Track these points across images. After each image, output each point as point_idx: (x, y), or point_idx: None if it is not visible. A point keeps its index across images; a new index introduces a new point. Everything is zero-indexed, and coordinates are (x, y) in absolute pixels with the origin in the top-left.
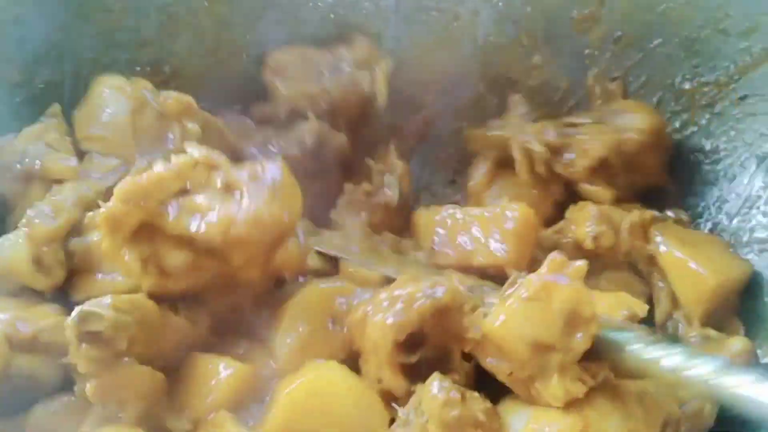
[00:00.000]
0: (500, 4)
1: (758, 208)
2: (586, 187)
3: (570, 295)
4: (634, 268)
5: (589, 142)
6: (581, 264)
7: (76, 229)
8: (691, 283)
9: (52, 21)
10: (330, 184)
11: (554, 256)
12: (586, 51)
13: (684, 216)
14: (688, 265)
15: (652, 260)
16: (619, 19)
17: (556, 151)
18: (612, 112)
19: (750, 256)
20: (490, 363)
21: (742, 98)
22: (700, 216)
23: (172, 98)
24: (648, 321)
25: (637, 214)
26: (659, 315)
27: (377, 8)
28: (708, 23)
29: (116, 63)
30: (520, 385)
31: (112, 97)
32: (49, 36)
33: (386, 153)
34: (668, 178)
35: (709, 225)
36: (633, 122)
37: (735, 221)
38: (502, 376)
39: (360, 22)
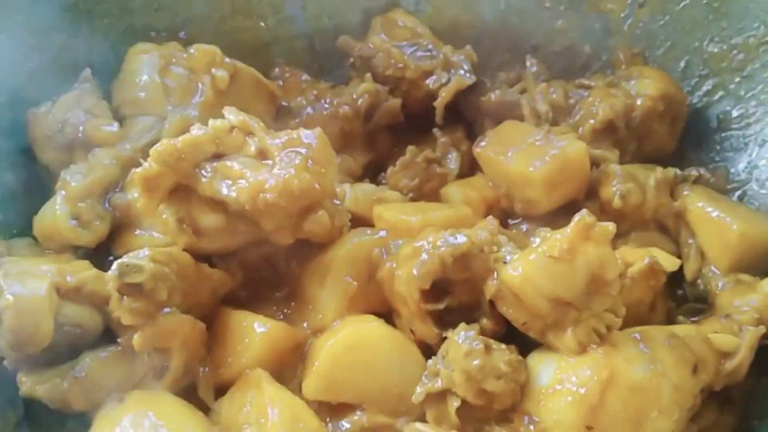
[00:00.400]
0: None
1: None
2: (590, 151)
3: (595, 257)
4: (661, 227)
5: (596, 104)
6: (609, 225)
7: (116, 185)
8: (717, 232)
9: None
10: (378, 144)
11: (582, 215)
12: (611, 15)
13: (705, 173)
14: (714, 216)
15: (679, 217)
16: None
17: (563, 111)
18: (626, 76)
19: None
20: (506, 311)
21: None
22: (730, 182)
23: (197, 50)
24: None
25: (661, 171)
26: (689, 272)
27: None
28: None
29: (132, 28)
30: (534, 333)
31: (143, 61)
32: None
33: (456, 128)
34: (680, 146)
35: (738, 192)
36: (644, 88)
37: (766, 187)
38: (516, 324)
39: None
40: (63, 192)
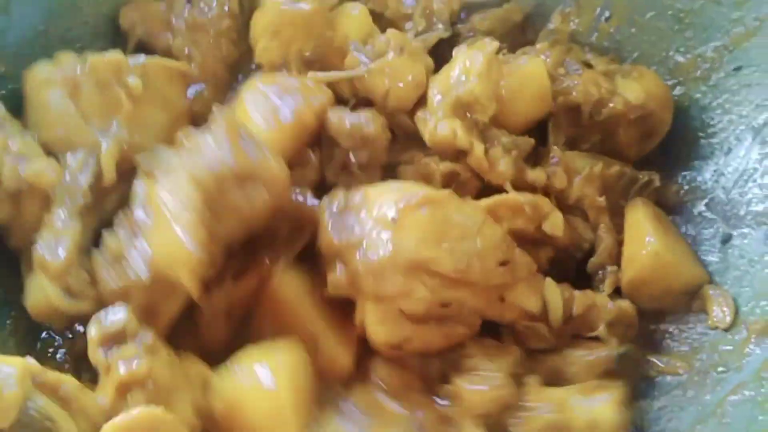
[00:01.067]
0: None
1: (755, 180)
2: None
3: None
4: (584, 215)
5: (576, 84)
6: None
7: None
8: (636, 242)
9: None
10: None
11: None
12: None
13: (656, 180)
14: (644, 227)
15: (600, 212)
16: None
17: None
18: (626, 72)
19: (746, 230)
20: None
21: (737, 69)
22: (696, 190)
23: (100, 63)
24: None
25: (600, 166)
26: (592, 263)
27: None
28: None
29: None
30: None
31: (48, 94)
32: None
33: None
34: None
35: (705, 200)
36: (626, 90)
37: (732, 194)
38: None
39: None
40: (46, 270)
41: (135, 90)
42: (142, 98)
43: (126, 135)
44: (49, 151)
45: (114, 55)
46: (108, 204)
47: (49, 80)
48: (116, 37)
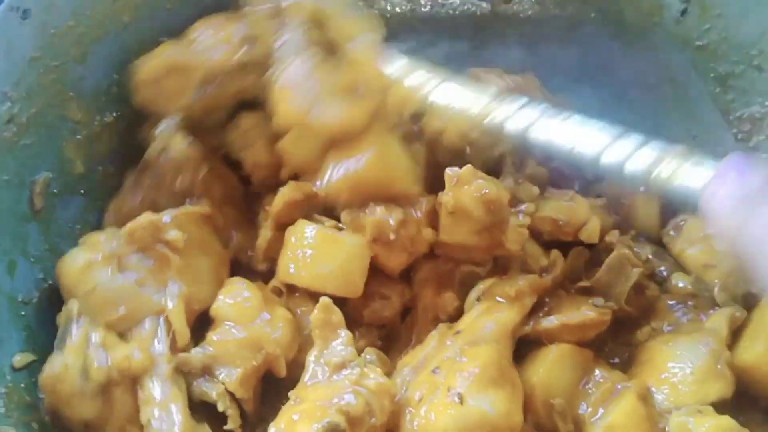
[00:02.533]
0: None
1: None
2: None
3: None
4: None
5: None
6: None
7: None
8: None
9: None
10: None
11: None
12: None
13: None
14: None
15: None
16: None
17: None
18: None
19: None
20: None
21: None
22: None
23: (136, 228)
24: None
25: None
26: None
27: None
28: (743, 59)
29: None
30: None
31: (91, 277)
32: None
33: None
34: None
35: None
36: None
37: None
38: None
39: None
40: None
41: (178, 243)
42: (184, 249)
43: (185, 289)
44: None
45: (146, 217)
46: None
47: (90, 264)
48: None
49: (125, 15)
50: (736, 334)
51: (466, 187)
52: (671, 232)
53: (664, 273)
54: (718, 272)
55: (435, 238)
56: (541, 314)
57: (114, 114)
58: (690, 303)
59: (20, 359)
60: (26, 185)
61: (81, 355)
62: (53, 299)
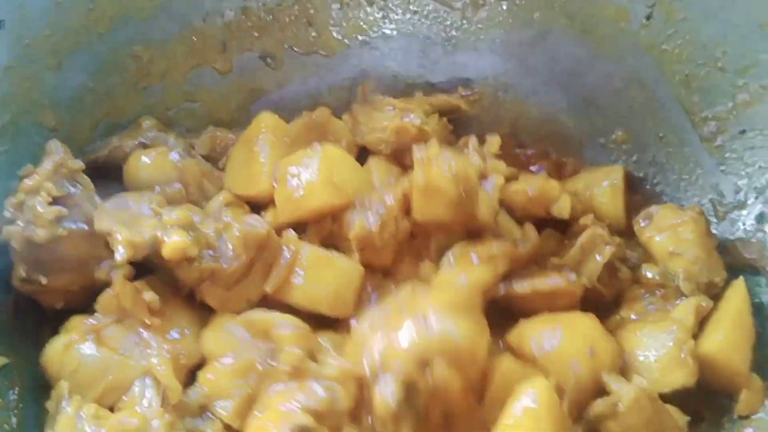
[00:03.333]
0: None
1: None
2: None
3: None
4: None
5: None
6: None
7: None
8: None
9: None
10: None
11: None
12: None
13: None
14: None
15: None
16: None
17: None
18: None
19: None
20: None
21: (742, 132)
22: None
23: (108, 299)
24: None
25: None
26: None
27: None
28: (708, 61)
29: None
30: None
31: (74, 356)
32: None
33: None
34: None
35: None
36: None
37: None
38: None
39: None
40: None
41: (155, 305)
42: (161, 309)
43: (169, 347)
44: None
45: (120, 285)
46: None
47: (70, 344)
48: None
49: (100, 26)
50: (702, 323)
51: (435, 165)
52: (641, 222)
53: (635, 261)
54: (683, 260)
55: (412, 223)
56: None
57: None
58: (658, 293)
59: None
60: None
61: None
62: (24, 303)
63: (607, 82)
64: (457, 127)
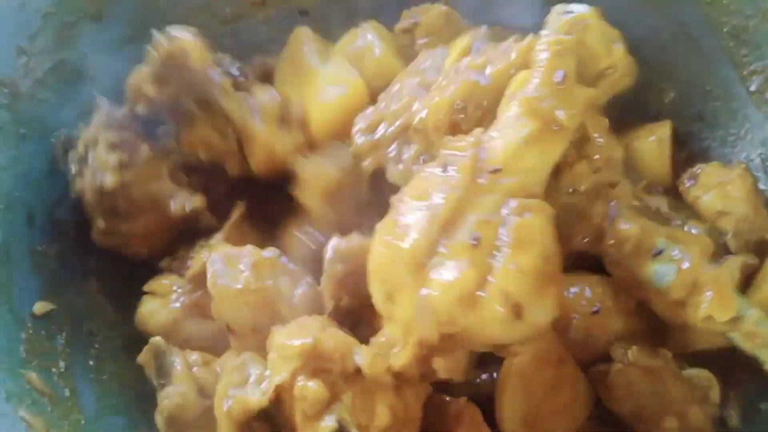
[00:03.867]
0: None
1: None
2: None
3: None
4: None
5: None
6: None
7: None
8: None
9: None
10: None
11: None
12: None
13: None
14: None
15: None
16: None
17: None
18: None
19: None
20: None
21: None
22: None
23: None
24: None
25: None
26: None
27: None
28: (756, 12)
29: None
30: None
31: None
32: None
33: None
34: None
35: None
36: None
37: None
38: None
39: None
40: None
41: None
42: None
43: None
44: None
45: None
46: None
47: (176, 318)
48: None
49: None
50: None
51: None
52: (687, 182)
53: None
54: (732, 219)
55: None
56: None
57: None
58: None
59: (40, 307)
60: (47, 140)
61: (191, 379)
62: (71, 250)
63: (654, 35)
64: None
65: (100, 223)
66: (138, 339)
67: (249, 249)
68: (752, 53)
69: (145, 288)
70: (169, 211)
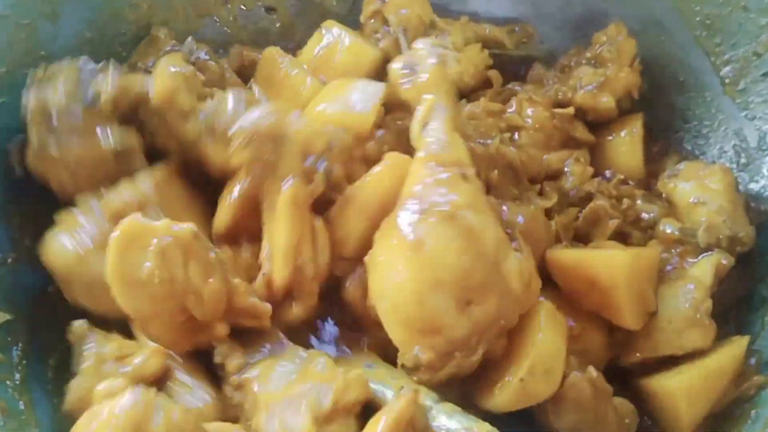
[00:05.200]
0: None
1: None
2: None
3: None
4: None
5: None
6: None
7: None
8: None
9: None
10: None
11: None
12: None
13: None
14: None
15: None
16: None
17: None
18: None
19: None
20: None
21: (765, 75)
22: None
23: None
24: None
25: None
26: None
27: None
28: (729, 0)
29: None
30: None
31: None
32: None
33: None
34: None
35: None
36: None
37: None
38: None
39: None
40: None
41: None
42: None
43: None
44: None
45: (126, 192)
46: None
47: (84, 255)
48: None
49: None
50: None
51: None
52: (666, 178)
53: (652, 215)
54: (706, 210)
55: None
56: None
57: None
58: (675, 250)
59: None
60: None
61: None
62: (28, 259)
63: (625, 24)
64: None
65: (34, 141)
66: None
67: (163, 226)
68: (725, 42)
69: (55, 217)
70: (99, 143)
